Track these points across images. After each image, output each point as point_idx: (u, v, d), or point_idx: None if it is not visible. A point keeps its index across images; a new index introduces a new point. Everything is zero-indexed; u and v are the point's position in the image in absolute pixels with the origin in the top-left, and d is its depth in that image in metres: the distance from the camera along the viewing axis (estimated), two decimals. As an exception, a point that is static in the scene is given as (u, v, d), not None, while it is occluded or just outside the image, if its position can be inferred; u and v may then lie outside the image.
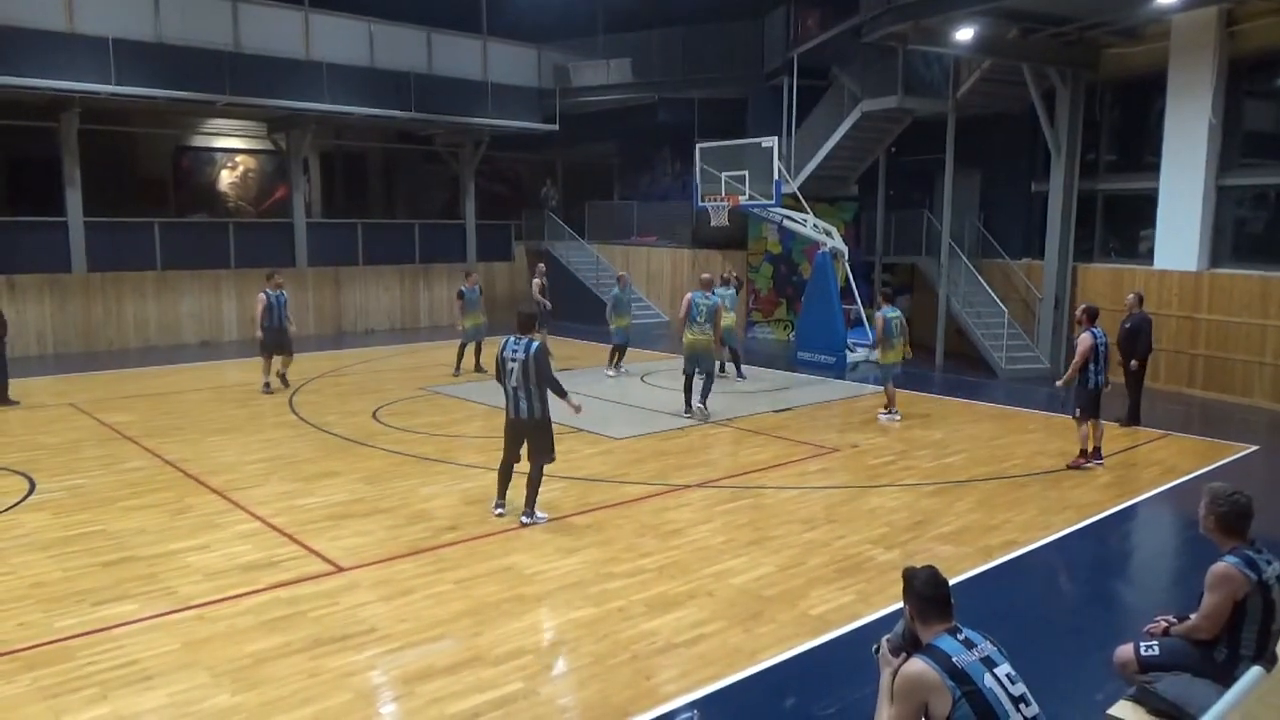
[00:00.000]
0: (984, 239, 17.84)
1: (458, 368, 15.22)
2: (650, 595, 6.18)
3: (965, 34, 13.78)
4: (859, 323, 17.46)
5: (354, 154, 25.53)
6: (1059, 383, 10.17)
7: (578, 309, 23.30)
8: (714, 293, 12.20)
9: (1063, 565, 7.18)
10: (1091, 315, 9.67)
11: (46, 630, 5.62)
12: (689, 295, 12.15)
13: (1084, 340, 9.54)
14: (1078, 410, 9.68)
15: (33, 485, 8.73)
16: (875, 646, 3.68)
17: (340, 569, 6.66)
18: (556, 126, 23.04)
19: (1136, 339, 11.45)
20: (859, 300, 17.56)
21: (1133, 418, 11.64)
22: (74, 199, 17.61)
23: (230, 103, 18.43)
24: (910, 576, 3.51)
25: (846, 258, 17.27)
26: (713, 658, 5.31)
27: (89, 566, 6.69)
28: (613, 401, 13.02)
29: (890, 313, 12.05)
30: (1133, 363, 11.46)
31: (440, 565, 6.73)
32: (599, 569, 6.66)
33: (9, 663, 5.20)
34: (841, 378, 15.33)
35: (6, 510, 7.99)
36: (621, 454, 10.10)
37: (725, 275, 15.56)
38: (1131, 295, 11.85)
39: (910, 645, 3.50)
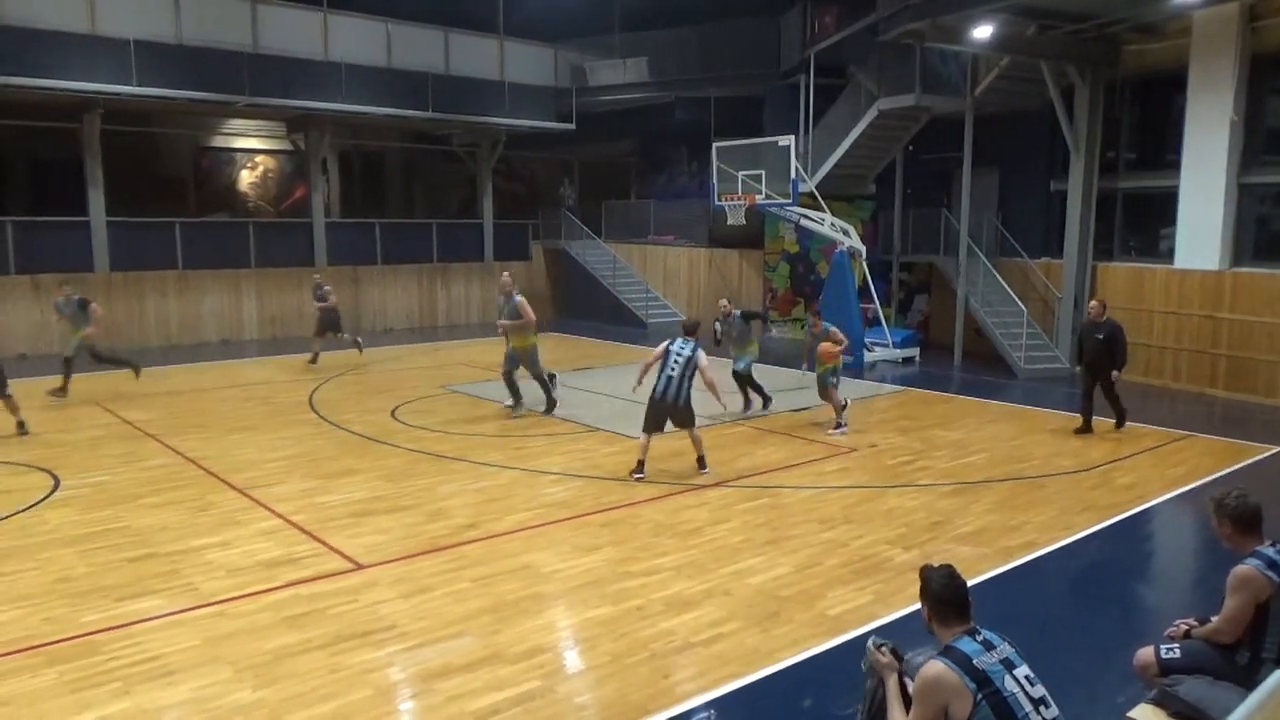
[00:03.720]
0: (1002, 237, 17.73)
1: None
2: (668, 594, 6.19)
3: (983, 31, 13.70)
4: (877, 322, 17.41)
5: (372, 154, 25.68)
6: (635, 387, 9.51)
7: (594, 308, 23.36)
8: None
9: (1083, 567, 7.13)
10: (689, 330, 9.40)
11: (71, 625, 5.70)
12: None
13: (655, 350, 9.18)
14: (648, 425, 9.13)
15: (57, 482, 8.84)
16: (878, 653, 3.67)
17: (360, 566, 6.71)
18: (573, 126, 23.07)
19: (1114, 348, 10.67)
20: (877, 300, 17.50)
21: (1120, 420, 11.20)
22: (96, 199, 17.80)
23: (250, 103, 18.57)
24: (927, 576, 3.49)
25: (864, 257, 17.21)
26: (730, 657, 5.31)
27: (112, 562, 6.77)
28: (629, 400, 13.00)
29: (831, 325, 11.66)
30: (1115, 374, 10.75)
31: (459, 563, 6.77)
32: (616, 568, 6.68)
33: (34, 656, 5.27)
34: (860, 377, 15.26)
35: (32, 506, 8.10)
36: (638, 453, 10.09)
37: None
38: (1095, 302, 11.15)
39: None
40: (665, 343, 9.24)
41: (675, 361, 9.05)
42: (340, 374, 15.15)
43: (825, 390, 11.24)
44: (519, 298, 11.74)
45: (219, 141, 23.08)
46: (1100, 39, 14.80)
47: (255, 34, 18.46)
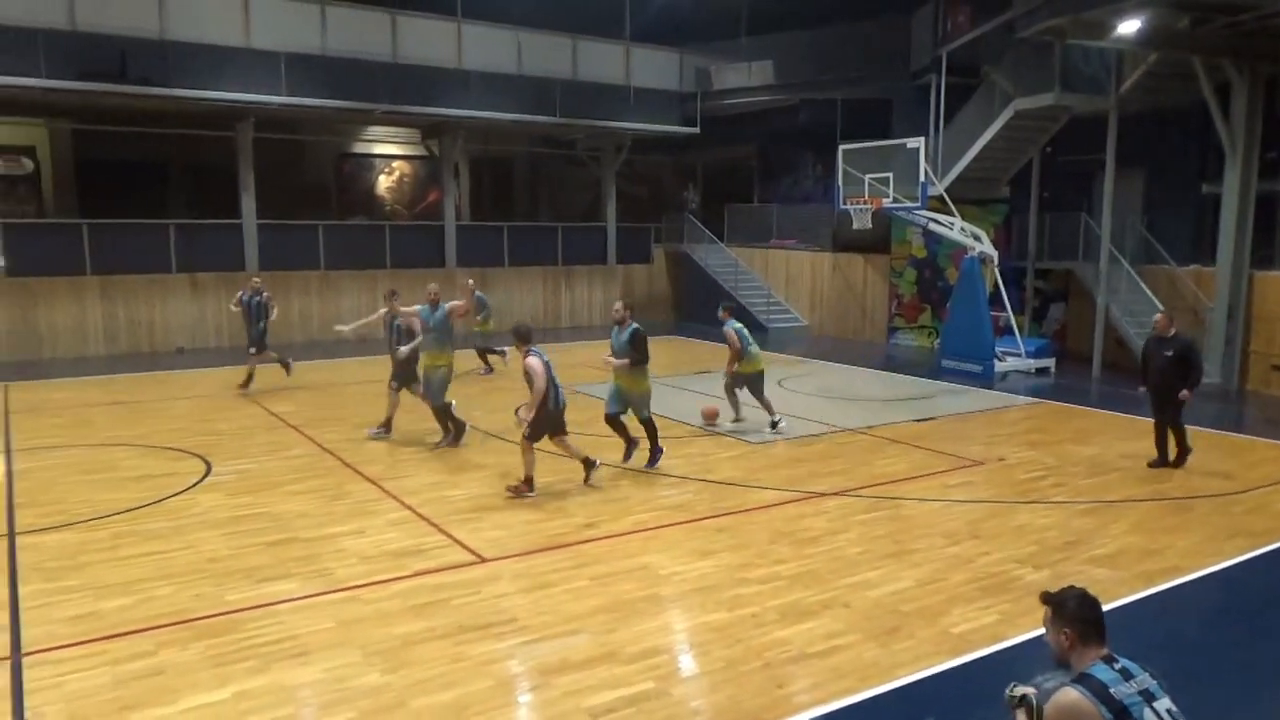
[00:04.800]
0: (1148, 243, 16.77)
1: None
2: (784, 603, 6.12)
3: (1130, 26, 12.97)
4: (1009, 331, 16.74)
5: (501, 159, 26.41)
6: (521, 411, 8.68)
7: (714, 312, 23.27)
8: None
9: (1233, 596, 6.66)
10: (524, 337, 8.57)
11: (217, 602, 6.08)
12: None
13: (535, 366, 8.31)
14: (530, 430, 8.44)
15: (209, 468, 9.46)
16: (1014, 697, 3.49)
17: (482, 559, 6.91)
18: (697, 129, 23.13)
19: (1187, 367, 9.34)
20: (1009, 307, 16.82)
21: (1183, 455, 9.68)
22: (248, 203, 18.97)
23: (388, 110, 19.41)
24: (1060, 601, 3.34)
25: (996, 262, 16.58)
26: (847, 670, 5.21)
27: (255, 545, 7.19)
28: (747, 405, 12.92)
29: (736, 324, 11.27)
30: (1183, 393, 9.29)
31: (577, 561, 6.88)
32: (733, 573, 6.64)
33: (184, 630, 5.65)
34: (989, 387, 14.72)
35: (186, 490, 8.70)
36: (756, 458, 10.04)
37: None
38: (1161, 315, 9.84)
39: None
40: (533, 358, 8.35)
41: (553, 370, 8.56)
42: (466, 372, 15.60)
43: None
44: (449, 304, 10.52)
45: (359, 148, 24.24)
46: (1261, 31, 13.77)
47: (394, 44, 19.26)
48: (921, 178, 15.92)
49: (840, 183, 17.34)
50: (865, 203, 16.81)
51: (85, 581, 6.43)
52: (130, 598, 6.14)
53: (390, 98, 19.06)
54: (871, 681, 5.09)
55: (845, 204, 17.34)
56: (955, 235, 16.64)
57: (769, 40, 22.87)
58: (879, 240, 20.24)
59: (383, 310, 11.12)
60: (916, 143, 16.11)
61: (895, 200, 16.33)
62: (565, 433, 8.81)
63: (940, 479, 9.30)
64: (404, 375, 10.76)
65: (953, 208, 16.81)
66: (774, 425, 11.20)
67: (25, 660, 5.27)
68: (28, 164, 20.27)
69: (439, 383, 10.30)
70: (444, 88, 19.75)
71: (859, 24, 21.44)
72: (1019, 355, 16.39)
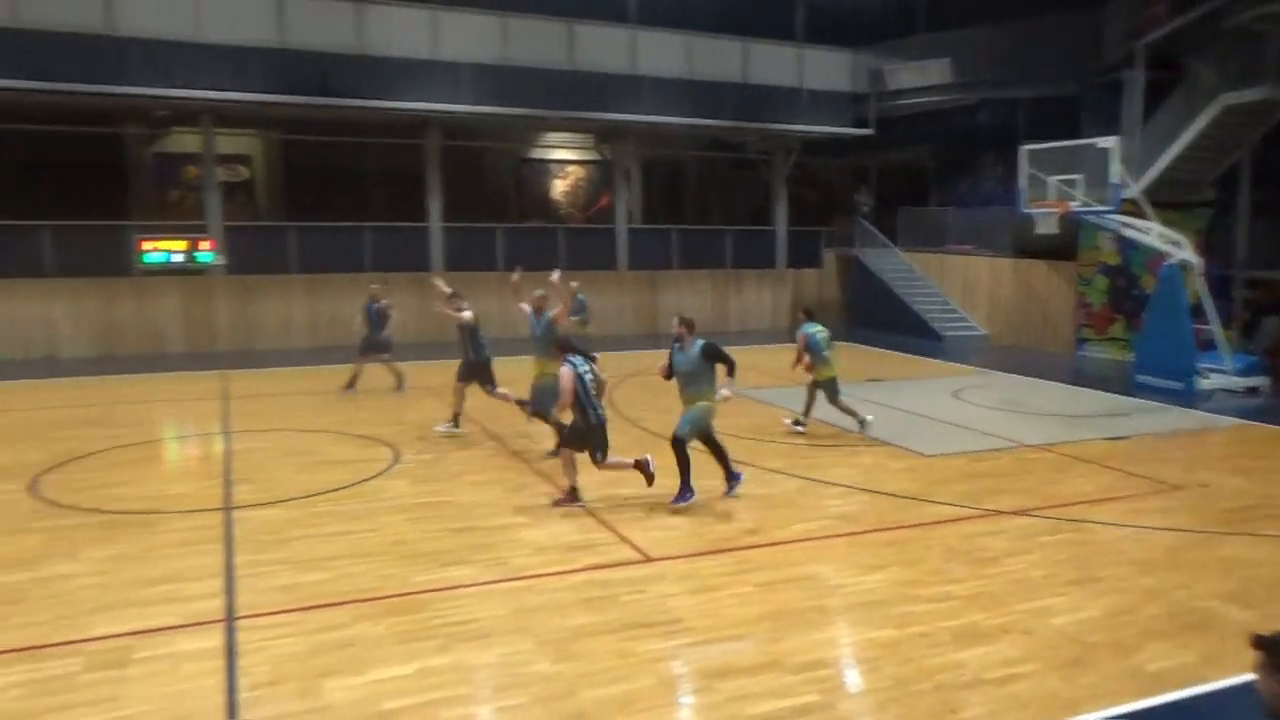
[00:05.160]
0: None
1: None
2: (958, 624, 5.90)
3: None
4: (1213, 346, 15.42)
5: (672, 162, 26.73)
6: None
7: (886, 318, 22.71)
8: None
9: None
10: (563, 347, 8.42)
11: (404, 583, 6.49)
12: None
13: (563, 374, 8.08)
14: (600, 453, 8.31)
15: (397, 456, 10.09)
16: None
17: (649, 559, 7.03)
18: (870, 131, 22.61)
19: None
20: (1215, 320, 15.48)
21: None
22: (435, 207, 20.08)
23: (565, 117, 20.05)
24: (1275, 645, 3.07)
25: (1200, 271, 15.31)
26: (1026, 700, 4.97)
27: (438, 531, 7.62)
28: (921, 416, 12.54)
29: (810, 328, 11.36)
30: None
31: (743, 566, 6.89)
32: (903, 590, 6.47)
33: (374, 607, 6.06)
34: (1190, 407, 13.60)
35: (377, 476, 9.33)
36: (929, 472, 9.72)
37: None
38: None
39: None
40: (566, 369, 8.06)
41: (593, 384, 8.24)
42: (636, 374, 15.89)
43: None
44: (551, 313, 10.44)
45: (536, 154, 25.15)
46: None
47: (571, 52, 19.86)
48: (1114, 179, 14.91)
49: (1023, 185, 16.50)
50: (1051, 206, 15.93)
51: (289, 555, 7.01)
52: (328, 573, 6.65)
53: (566, 105, 19.68)
54: (1053, 714, 4.82)
55: (1028, 207, 16.49)
56: (1152, 241, 15.50)
57: (946, 38, 22.04)
58: (1064, 246, 19.11)
59: (447, 291, 12.23)
60: (1109, 142, 15.10)
61: (1084, 204, 15.38)
62: (603, 451, 8.32)
63: (1133, 503, 8.70)
64: (470, 374, 11.59)
65: (1149, 211, 15.66)
66: (797, 423, 11.48)
67: (237, 624, 5.80)
68: (244, 172, 22.28)
69: (545, 391, 9.82)
70: (617, 93, 20.21)
71: (1043, 18, 20.30)
72: (1225, 372, 15.07)
